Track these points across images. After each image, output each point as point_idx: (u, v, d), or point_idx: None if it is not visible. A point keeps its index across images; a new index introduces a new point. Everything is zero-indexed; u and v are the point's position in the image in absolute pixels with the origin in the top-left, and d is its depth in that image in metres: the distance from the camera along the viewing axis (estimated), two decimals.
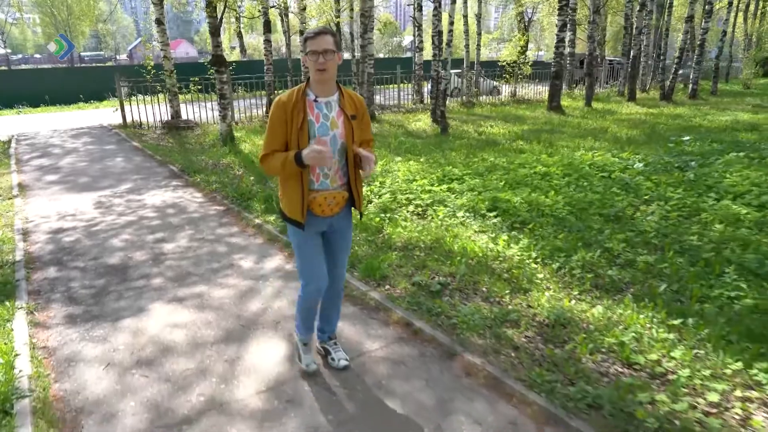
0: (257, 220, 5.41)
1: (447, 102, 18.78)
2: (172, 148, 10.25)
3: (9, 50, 56.15)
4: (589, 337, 3.22)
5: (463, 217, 5.56)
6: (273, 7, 12.69)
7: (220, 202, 6.27)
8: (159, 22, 13.93)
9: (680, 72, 23.30)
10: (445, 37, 12.54)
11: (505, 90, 20.52)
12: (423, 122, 14.02)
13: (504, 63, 19.89)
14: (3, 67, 42.92)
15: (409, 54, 73.00)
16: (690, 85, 20.08)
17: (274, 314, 3.53)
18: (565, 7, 15.31)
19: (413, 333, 3.23)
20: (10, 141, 11.59)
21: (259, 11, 13.58)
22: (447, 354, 3.00)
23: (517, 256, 4.56)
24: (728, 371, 2.92)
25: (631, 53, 18.37)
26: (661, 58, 19.98)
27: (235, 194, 6.37)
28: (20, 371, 2.80)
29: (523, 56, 20.56)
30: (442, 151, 9.23)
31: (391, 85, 18.38)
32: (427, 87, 19.52)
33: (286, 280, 4.09)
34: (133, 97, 13.89)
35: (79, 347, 3.15)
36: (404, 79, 18.91)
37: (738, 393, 2.74)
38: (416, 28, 17.98)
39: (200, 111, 13.70)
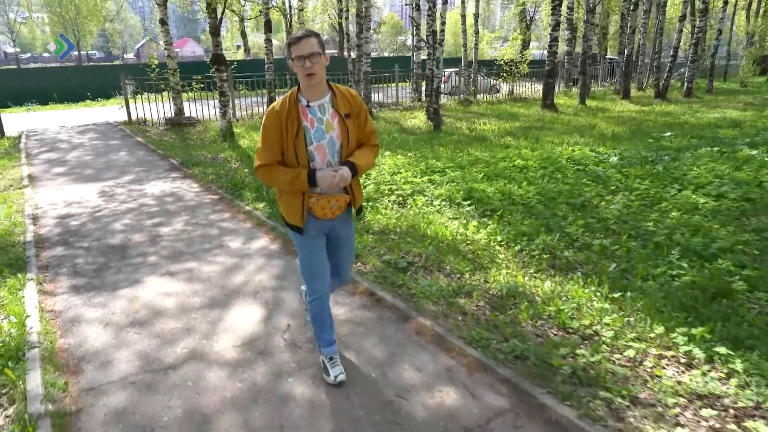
0: (247, 207, 5.85)
1: (445, 100, 19.26)
2: (174, 144, 10.71)
3: (18, 49, 56.94)
4: (532, 306, 3.62)
5: (439, 205, 5.97)
6: (271, 7, 13.10)
7: (215, 191, 6.71)
8: (163, 22, 14.41)
9: (681, 71, 23.56)
10: (438, 37, 12.91)
11: (504, 88, 20.86)
12: (418, 119, 14.40)
13: (501, 62, 20.25)
14: (12, 66, 43.67)
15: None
16: (685, 84, 20.35)
17: (254, 286, 3.97)
18: (558, 6, 15.65)
19: (376, 301, 3.65)
20: (20, 137, 12.09)
21: (260, 11, 14.00)
22: (402, 318, 3.41)
23: (484, 239, 4.96)
24: (652, 335, 3.31)
25: (625, 52, 18.65)
26: (655, 56, 20.24)
27: (228, 184, 6.82)
28: (31, 328, 3.24)
29: (521, 55, 20.89)
30: (431, 147, 9.62)
31: (390, 84, 18.80)
32: (425, 85, 19.94)
33: (269, 258, 4.52)
34: (138, 95, 14.38)
35: (82, 311, 3.60)
36: (403, 77, 19.30)
37: (654, 351, 3.14)
38: (414, 28, 18.36)
39: (203, 108, 14.15)
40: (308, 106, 2.42)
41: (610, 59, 27.52)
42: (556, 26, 15.86)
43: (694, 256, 4.51)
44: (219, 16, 10.94)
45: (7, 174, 8.11)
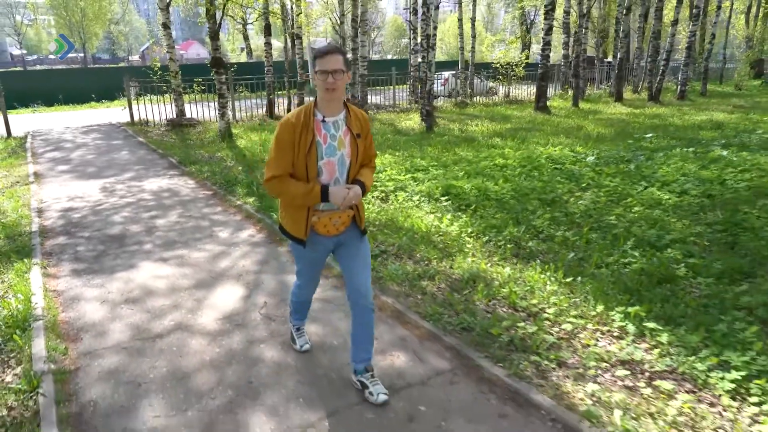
0: (238, 202, 6.25)
1: (441, 102, 19.66)
2: (174, 144, 11.14)
3: (24, 51, 57.68)
4: (488, 288, 4.00)
5: (418, 200, 6.36)
6: (267, 13, 13.53)
7: (209, 187, 7.12)
8: (165, 26, 14.86)
9: (679, 74, 23.79)
10: (430, 41, 13.30)
11: (502, 91, 21.22)
12: (413, 121, 14.77)
13: (497, 65, 20.63)
14: (19, 68, 44.30)
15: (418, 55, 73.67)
16: (678, 87, 20.68)
17: (238, 270, 4.37)
18: (551, 11, 16.03)
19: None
20: (26, 137, 12.55)
21: (259, 15, 14.44)
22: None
23: (456, 231, 5.34)
24: (593, 313, 3.68)
25: (618, 55, 19.00)
26: (649, 60, 20.58)
27: (222, 181, 7.23)
28: (35, 304, 3.64)
29: (522, 57, 21.27)
30: (420, 147, 10.01)
31: (387, 87, 19.19)
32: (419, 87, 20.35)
33: (254, 246, 4.92)
34: (141, 97, 14.84)
35: (81, 290, 4.00)
36: (402, 80, 19.69)
37: (591, 326, 3.51)
38: (411, 31, 18.80)
39: (204, 110, 14.57)
40: (323, 121, 2.41)
41: (609, 62, 27.85)
42: (549, 30, 16.23)
43: (648, 246, 4.87)
44: (218, 22, 11.37)
45: (14, 171, 8.55)
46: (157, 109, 14.27)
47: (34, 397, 2.66)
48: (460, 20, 21.60)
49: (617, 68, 19.44)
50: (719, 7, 21.12)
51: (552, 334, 3.39)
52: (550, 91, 22.53)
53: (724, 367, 2.99)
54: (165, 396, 2.72)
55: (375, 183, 6.98)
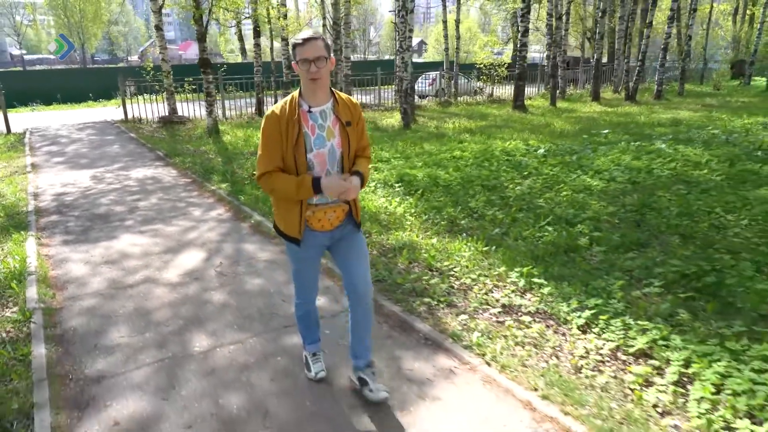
0: (213, 187, 7.01)
1: (426, 101, 20.41)
2: (163, 139, 11.89)
3: (24, 51, 58.39)
4: (411, 253, 4.74)
5: (374, 186, 7.10)
6: (250, 17, 14.31)
7: (189, 176, 7.89)
8: (158, 28, 15.62)
9: (666, 75, 24.48)
10: (406, 43, 14.04)
11: (488, 90, 21.91)
12: (394, 119, 15.49)
13: (480, 65, 21.37)
14: (18, 68, 45.01)
15: (415, 56, 74.83)
16: (656, 87, 21.41)
17: (204, 239, 5.12)
18: (527, 14, 16.78)
19: None
20: (24, 133, 13.30)
21: (239, 21, 15.20)
22: None
23: (401, 211, 6.09)
24: (495, 273, 4.42)
25: (595, 56, 19.75)
26: (625, 60, 21.32)
27: (201, 170, 7.98)
28: (30, 263, 4.39)
29: (503, 58, 22.02)
30: (392, 142, 10.76)
31: (373, 87, 19.91)
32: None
33: (220, 222, 5.68)
34: (137, 96, 15.58)
35: (69, 255, 4.76)
36: (388, 80, 20.39)
37: (489, 282, 4.25)
38: (398, 33, 19.46)
39: (197, 108, 15.30)
40: (309, 111, 2.32)
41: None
42: (525, 32, 16.97)
43: (564, 223, 5.61)
44: (204, 25, 12.12)
45: (13, 163, 9.31)
46: (150, 108, 15.01)
47: (28, 325, 3.41)
48: (444, 22, 22.36)
49: (594, 69, 20.17)
50: (695, 10, 21.86)
51: (453, 286, 4.13)
52: (533, 91, 23.31)
53: (583, 309, 3.73)
54: (130, 325, 3.47)
55: None
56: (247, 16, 14.09)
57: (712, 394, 2.71)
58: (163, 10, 15.19)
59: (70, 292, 3.99)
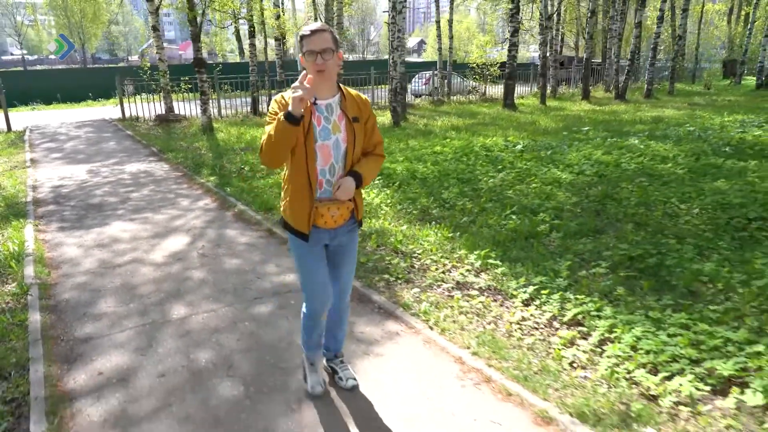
0: (201, 180, 7.41)
1: (419, 100, 20.80)
2: (159, 136, 12.29)
3: (25, 51, 58.83)
4: (381, 238, 5.13)
5: None
6: (241, 18, 14.71)
7: (181, 170, 8.28)
8: (155, 28, 16.03)
9: (660, 75, 24.88)
10: (395, 43, 14.43)
11: (483, 90, 22.26)
12: (386, 117, 15.86)
13: (474, 65, 21.76)
14: (19, 68, 45.44)
15: (415, 55, 75.27)
16: (645, 86, 21.79)
17: (189, 226, 5.52)
18: (516, 14, 17.17)
19: (269, 234, 5.18)
20: (24, 131, 13.71)
21: (231, 23, 15.61)
22: (283, 242, 4.94)
23: (377, 202, 6.47)
24: (456, 255, 4.80)
25: (584, 56, 20.12)
26: (616, 60, 21.70)
27: (192, 165, 8.38)
28: (27, 246, 4.79)
29: (496, 58, 22.39)
30: None
31: (367, 86, 20.28)
32: (408, 87, 21.49)
33: (206, 211, 6.08)
34: (135, 96, 15.98)
35: (64, 239, 5.15)
36: (383, 79, 20.73)
37: (448, 263, 4.63)
38: (391, 33, 19.84)
39: (194, 107, 15.66)
40: (315, 103, 2.29)
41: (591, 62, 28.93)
42: (514, 32, 17.36)
43: (528, 212, 6.00)
44: (199, 26, 12.52)
45: (13, 158, 9.71)
46: (147, 106, 15.41)
47: (25, 297, 3.80)
48: (437, 22, 22.75)
49: (584, 68, 20.55)
50: (685, 10, 22.22)
51: (413, 266, 4.52)
52: (526, 90, 23.67)
53: (528, 286, 4.11)
54: (116, 297, 3.87)
55: None
56: (241, 16, 14.47)
57: (624, 353, 3.09)
58: (164, 11, 15.59)
59: (63, 271, 4.38)
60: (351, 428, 2.46)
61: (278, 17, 15.06)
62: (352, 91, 2.41)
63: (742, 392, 2.68)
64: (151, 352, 3.10)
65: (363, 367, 2.96)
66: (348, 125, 2.32)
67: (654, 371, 2.96)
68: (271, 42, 21.41)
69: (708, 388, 2.79)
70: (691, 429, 2.46)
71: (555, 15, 20.23)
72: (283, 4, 20.97)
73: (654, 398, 2.69)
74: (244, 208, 5.99)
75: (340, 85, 2.39)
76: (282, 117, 2.16)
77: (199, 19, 12.48)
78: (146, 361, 3.01)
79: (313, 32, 2.20)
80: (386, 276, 4.18)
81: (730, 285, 3.99)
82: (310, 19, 20.22)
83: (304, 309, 2.60)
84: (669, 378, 2.86)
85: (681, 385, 2.76)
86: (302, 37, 2.22)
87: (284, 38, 21.67)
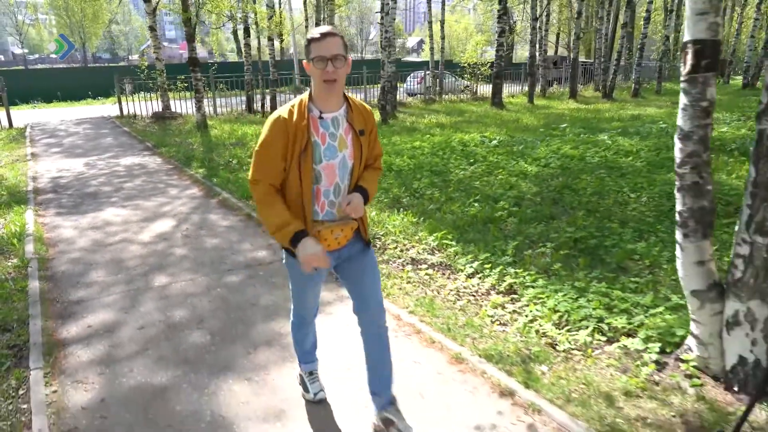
0: (191, 172, 7.92)
1: (411, 98, 21.28)
2: (154, 132, 12.81)
3: (26, 50, 59.36)
4: None
5: None
6: (233, 18, 15.23)
7: (173, 163, 8.80)
8: (152, 28, 16.52)
9: (650, 75, 25.30)
10: (383, 43, 14.93)
11: (474, 89, 22.72)
12: (375, 115, 16.37)
13: (465, 64, 22.25)
14: (20, 67, 45.97)
15: (414, 55, 75.81)
16: (633, 85, 22.28)
17: (176, 212, 6.03)
18: (503, 15, 17.65)
19: (248, 218, 5.70)
20: (26, 127, 14.24)
21: (231, 19, 16.11)
22: (259, 224, 5.45)
23: None
24: (416, 237, 5.30)
25: (571, 55, 20.61)
26: (603, 60, 22.18)
27: (183, 158, 8.89)
28: (28, 228, 5.30)
29: (487, 57, 22.88)
30: None
31: (361, 85, 20.74)
32: (402, 86, 22.05)
33: (193, 198, 6.59)
34: (134, 94, 16.49)
35: (61, 223, 5.67)
36: (375, 79, 21.19)
37: (407, 243, 5.12)
38: (384, 32, 20.33)
39: (190, 105, 16.14)
40: (321, 117, 2.06)
41: (582, 63, 29.43)
42: (501, 33, 17.83)
43: (490, 200, 6.49)
44: (193, 26, 13.02)
45: (15, 152, 10.24)
46: (145, 105, 15.91)
47: (25, 269, 4.31)
48: (429, 23, 23.25)
49: (571, 68, 21.04)
50: (671, 11, 22.72)
51: (375, 246, 5.02)
52: (518, 89, 24.15)
53: (474, 262, 4.60)
54: (106, 269, 4.38)
55: None
56: (230, 17, 14.99)
57: (542, 312, 3.59)
58: (165, 11, 16.06)
59: (60, 248, 4.89)
60: (296, 365, 2.96)
61: (271, 18, 15.54)
62: (357, 100, 2.19)
63: (630, 340, 3.19)
64: (134, 311, 3.61)
65: (319, 321, 3.43)
66: (355, 139, 2.12)
67: (563, 327, 3.46)
68: (263, 40, 21.91)
69: (604, 338, 3.29)
70: (578, 367, 2.96)
71: (544, 16, 20.72)
72: (281, 5, 21.51)
73: (554, 345, 3.19)
74: (227, 196, 6.50)
75: (346, 94, 2.15)
76: (290, 236, 2.01)
77: (193, 20, 12.98)
78: (129, 318, 3.52)
79: (324, 36, 1.95)
80: None
81: (657, 262, 4.50)
82: (301, 24, 20.72)
83: (292, 318, 2.53)
84: (575, 332, 3.37)
85: (580, 335, 3.27)
86: (310, 41, 1.97)
87: (281, 37, 22.21)
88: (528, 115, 15.52)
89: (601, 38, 24.38)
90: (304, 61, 2.05)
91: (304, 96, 2.09)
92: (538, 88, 22.97)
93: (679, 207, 2.72)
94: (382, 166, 2.38)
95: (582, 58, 31.70)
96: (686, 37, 2.53)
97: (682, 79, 2.60)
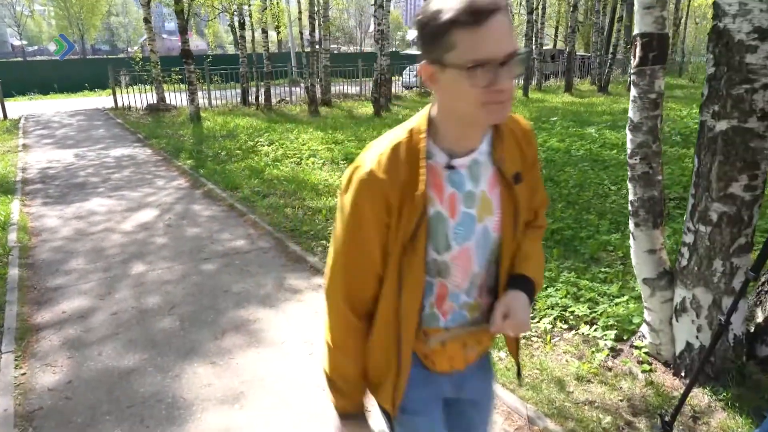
0: (179, 163, 7.99)
1: (407, 92, 21.29)
2: (147, 124, 12.86)
3: (25, 42, 59.25)
4: (330, 212, 5.70)
5: (322, 164, 8.06)
6: (224, 12, 15.25)
7: (162, 154, 8.87)
8: (146, 20, 16.49)
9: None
10: (377, 36, 14.94)
11: None
12: (370, 108, 16.39)
13: None
14: (19, 59, 45.91)
15: (414, 48, 75.54)
16: (628, 79, 22.26)
17: (160, 202, 6.11)
18: None
19: (230, 208, 5.77)
20: (20, 119, 14.29)
21: (224, 12, 16.12)
22: (241, 215, 5.53)
23: (336, 183, 7.03)
24: None
25: (566, 49, 20.60)
26: (598, 53, 22.17)
27: (173, 149, 8.96)
28: (13, 217, 5.38)
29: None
30: (356, 127, 11.69)
31: (356, 78, 20.72)
32: (400, 79, 22.06)
33: (178, 190, 6.68)
34: (130, 86, 16.51)
35: (46, 212, 5.75)
36: (371, 72, 21.15)
37: None
38: (377, 26, 20.30)
39: (185, 97, 16.15)
40: (451, 167, 1.08)
41: (581, 56, 29.38)
42: None
43: None
44: (185, 18, 13.04)
45: (6, 143, 10.30)
46: (140, 97, 15.95)
47: (6, 257, 4.40)
48: None
49: (567, 61, 21.04)
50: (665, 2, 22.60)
51: None
52: (516, 82, 24.05)
53: None
54: (86, 257, 4.46)
55: (295, 152, 8.70)
56: (224, 9, 15.00)
57: None
58: (161, 3, 16.08)
59: (43, 237, 4.97)
60: (260, 349, 3.05)
61: (264, 10, 15.55)
62: (509, 117, 1.13)
63: (590, 328, 3.27)
64: (109, 298, 3.70)
65: (289, 307, 3.56)
66: (506, 195, 1.13)
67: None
68: (264, 34, 21.89)
69: (566, 326, 3.38)
70: (536, 353, 3.04)
71: (540, 9, 20.69)
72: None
73: None
74: (212, 187, 6.58)
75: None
76: (345, 408, 1.22)
77: (185, 12, 12.99)
78: (103, 304, 3.60)
79: (486, 13, 0.89)
80: (323, 242, 4.75)
81: (629, 253, 4.57)
82: (300, 12, 20.58)
83: None
84: (538, 320, 3.45)
85: (542, 323, 3.35)
86: (452, 25, 0.90)
87: (278, 29, 22.17)
88: (521, 108, 15.55)
89: (598, 32, 24.34)
90: (423, 64, 1.00)
91: (416, 125, 1.09)
92: (534, 82, 23.02)
93: (630, 197, 2.80)
94: (546, 222, 1.33)
95: (581, 52, 31.64)
96: (635, 30, 2.59)
97: (631, 71, 2.66)
